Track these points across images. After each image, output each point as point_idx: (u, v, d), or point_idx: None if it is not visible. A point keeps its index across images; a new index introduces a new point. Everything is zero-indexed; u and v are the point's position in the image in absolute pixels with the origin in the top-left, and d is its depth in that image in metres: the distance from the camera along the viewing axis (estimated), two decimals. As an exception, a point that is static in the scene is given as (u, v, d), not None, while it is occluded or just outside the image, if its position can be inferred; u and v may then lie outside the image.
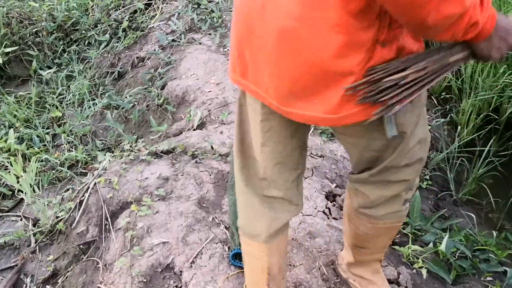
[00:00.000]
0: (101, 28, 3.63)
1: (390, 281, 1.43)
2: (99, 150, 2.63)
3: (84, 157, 2.57)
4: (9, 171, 2.12)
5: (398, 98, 0.79)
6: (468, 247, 1.76)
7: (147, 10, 3.65)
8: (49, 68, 3.47)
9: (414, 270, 1.58)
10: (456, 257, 1.69)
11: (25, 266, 1.92)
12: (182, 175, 1.89)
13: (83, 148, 2.64)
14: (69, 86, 3.27)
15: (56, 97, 3.17)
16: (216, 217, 1.69)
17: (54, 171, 2.52)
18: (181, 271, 1.50)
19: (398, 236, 1.75)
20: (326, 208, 1.68)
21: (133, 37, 3.39)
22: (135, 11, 3.69)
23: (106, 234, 1.77)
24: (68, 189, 2.21)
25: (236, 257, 1.48)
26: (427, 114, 2.60)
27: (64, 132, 2.80)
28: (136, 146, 2.19)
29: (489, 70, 2.54)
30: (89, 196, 1.91)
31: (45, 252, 1.94)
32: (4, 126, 2.87)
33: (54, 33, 3.64)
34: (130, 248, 1.61)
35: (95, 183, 1.93)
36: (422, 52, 0.82)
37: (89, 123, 2.87)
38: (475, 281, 1.63)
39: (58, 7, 3.76)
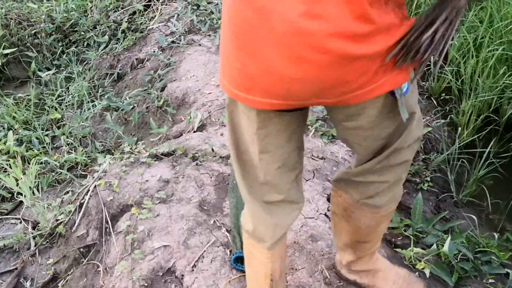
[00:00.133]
0: (100, 29, 3.62)
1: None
2: (99, 152, 2.62)
3: (84, 159, 2.56)
4: (9, 174, 2.11)
5: (434, 52, 0.83)
6: (469, 249, 1.75)
7: (146, 12, 3.64)
8: (48, 69, 3.46)
9: (417, 273, 1.57)
10: (458, 259, 1.68)
11: (25, 270, 1.90)
12: (182, 178, 1.88)
13: (82, 150, 2.63)
14: (68, 88, 3.26)
15: (55, 99, 3.16)
16: (217, 220, 1.68)
17: (53, 173, 2.51)
18: (182, 275, 1.49)
19: (400, 238, 1.75)
20: (327, 210, 1.67)
21: (132, 38, 3.38)
22: (134, 13, 3.68)
23: (107, 237, 1.76)
24: (68, 192, 2.20)
25: (238, 261, 1.47)
26: (427, 115, 2.61)
27: (63, 134, 2.79)
28: (136, 148, 2.18)
29: (489, 71, 2.54)
30: (89, 199, 1.90)
31: (45, 256, 1.93)
32: (3, 128, 2.86)
33: (53, 35, 3.63)
34: (131, 252, 1.60)
35: (95, 186, 1.93)
36: (427, 10, 0.85)
37: (88, 125, 2.87)
38: (477, 284, 1.62)
39: (57, 8, 3.76)
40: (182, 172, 1.91)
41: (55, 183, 2.49)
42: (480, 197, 2.22)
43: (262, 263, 1.12)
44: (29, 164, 2.45)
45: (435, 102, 2.77)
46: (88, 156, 2.61)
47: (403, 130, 0.96)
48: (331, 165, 1.94)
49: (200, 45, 2.98)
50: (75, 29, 3.70)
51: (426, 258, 1.62)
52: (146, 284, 1.48)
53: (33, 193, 2.05)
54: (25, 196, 2.01)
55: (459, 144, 2.34)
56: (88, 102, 3.04)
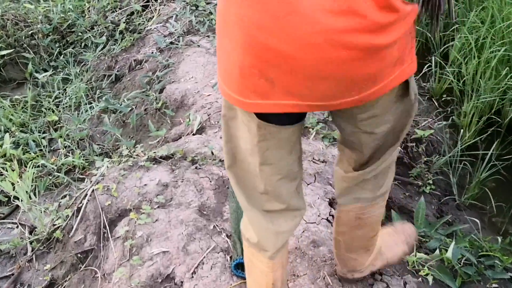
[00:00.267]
0: (98, 30, 3.58)
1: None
2: (97, 155, 2.59)
3: (82, 163, 2.52)
4: (5, 177, 2.08)
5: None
6: (473, 253, 1.73)
7: (144, 12, 3.60)
8: (45, 71, 3.42)
9: (420, 278, 1.55)
10: (461, 263, 1.66)
11: (22, 276, 1.87)
12: (182, 182, 1.85)
13: (80, 153, 2.60)
14: (65, 89, 3.23)
15: (53, 101, 3.12)
16: (217, 225, 1.65)
17: (50, 177, 2.48)
18: (181, 282, 1.47)
19: (402, 243, 1.72)
20: (329, 215, 1.65)
21: (130, 39, 3.35)
22: (132, 13, 3.64)
23: (105, 242, 1.73)
24: (65, 196, 2.16)
25: (238, 267, 1.44)
26: (429, 116, 2.59)
27: (60, 137, 2.75)
28: (134, 152, 2.15)
29: (491, 72, 2.52)
30: (87, 203, 1.87)
31: (42, 261, 1.90)
32: (0, 131, 2.82)
33: (50, 35, 3.59)
34: (129, 258, 1.57)
35: (93, 190, 1.90)
36: None
37: (86, 127, 2.83)
38: (481, 289, 1.60)
39: (54, 9, 3.72)
40: (181, 176, 1.88)
41: (52, 186, 2.45)
42: (483, 200, 2.20)
43: (263, 272, 1.09)
44: (26, 167, 2.41)
45: (436, 104, 2.75)
46: (85, 159, 2.58)
47: (410, 108, 0.96)
48: (332, 169, 1.91)
49: (199, 46, 2.94)
50: (73, 30, 3.66)
51: (429, 263, 1.60)
52: (145, 292, 1.45)
53: (30, 197, 2.01)
54: (21, 200, 1.98)
55: (461, 146, 2.32)
56: (86, 104, 3.00)
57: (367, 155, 1.03)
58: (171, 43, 3.04)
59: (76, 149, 2.67)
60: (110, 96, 2.99)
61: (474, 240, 1.85)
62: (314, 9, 0.70)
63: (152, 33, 3.27)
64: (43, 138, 2.78)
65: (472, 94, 2.53)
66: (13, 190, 1.99)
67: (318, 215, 1.64)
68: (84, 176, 2.39)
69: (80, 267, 1.73)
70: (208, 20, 3.20)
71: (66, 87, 3.24)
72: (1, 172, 2.37)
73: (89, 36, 3.55)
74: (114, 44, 3.44)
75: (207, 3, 3.39)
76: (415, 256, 1.61)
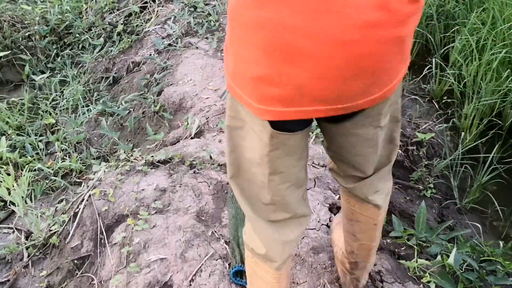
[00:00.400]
0: (95, 31, 3.55)
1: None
2: (94, 159, 2.56)
3: (79, 166, 2.50)
4: (0, 182, 2.05)
5: None
6: (474, 258, 1.71)
7: (142, 14, 3.58)
8: (42, 72, 3.39)
9: (421, 285, 1.53)
10: (463, 269, 1.64)
11: (17, 282, 1.85)
12: (180, 187, 1.83)
13: (77, 156, 2.57)
14: (62, 92, 3.20)
15: (50, 103, 3.10)
16: (215, 231, 1.63)
17: (47, 181, 2.45)
18: (180, 290, 1.44)
19: (403, 248, 1.70)
20: (329, 221, 1.62)
21: (128, 41, 3.32)
22: (130, 14, 3.62)
23: (101, 249, 1.70)
24: (62, 200, 2.14)
25: (237, 275, 1.42)
26: (430, 119, 2.56)
27: (57, 140, 2.72)
28: (132, 156, 2.12)
29: (491, 74, 2.50)
30: (83, 208, 1.84)
31: (38, 267, 1.87)
32: (-4, 134, 2.79)
33: (47, 37, 3.56)
34: (126, 265, 1.55)
35: (89, 195, 1.87)
36: None
37: (83, 130, 2.80)
38: (483, 295, 1.58)
39: (51, 10, 3.68)
40: (179, 181, 1.86)
41: (49, 190, 2.42)
42: (484, 204, 2.18)
43: (268, 283, 1.06)
44: (22, 170, 2.39)
45: (436, 106, 2.72)
46: (83, 163, 2.55)
47: (398, 99, 0.98)
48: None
49: (197, 48, 2.92)
50: (70, 31, 3.64)
51: (431, 269, 1.57)
52: (142, 300, 1.42)
53: (26, 202, 1.99)
54: (17, 205, 1.95)
55: (462, 149, 2.29)
56: (83, 107, 2.97)
57: (363, 168, 1.03)
58: (169, 45, 3.01)
59: (73, 152, 2.64)
60: (107, 99, 2.96)
61: (475, 245, 1.82)
62: (348, 5, 0.68)
63: (150, 34, 3.24)
64: (40, 141, 2.75)
65: (473, 96, 2.51)
66: (9, 195, 1.96)
67: (318, 221, 1.62)
68: (81, 180, 2.36)
69: (77, 274, 1.71)
70: (206, 21, 3.18)
71: (63, 89, 3.21)
72: (-3, 176, 2.34)
73: (87, 38, 3.52)
74: (112, 46, 3.42)
75: (206, 4, 3.37)
76: (416, 262, 1.59)
